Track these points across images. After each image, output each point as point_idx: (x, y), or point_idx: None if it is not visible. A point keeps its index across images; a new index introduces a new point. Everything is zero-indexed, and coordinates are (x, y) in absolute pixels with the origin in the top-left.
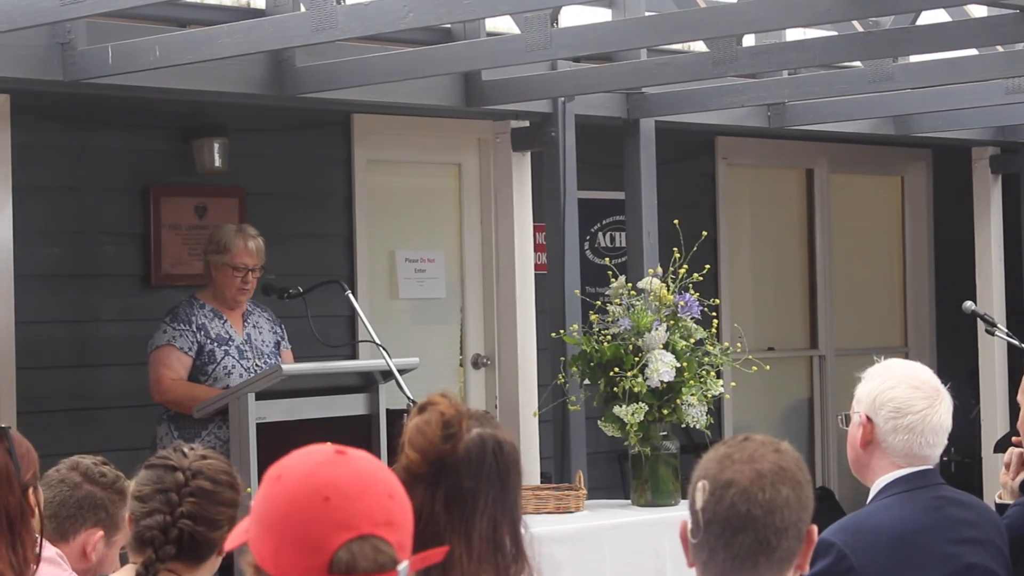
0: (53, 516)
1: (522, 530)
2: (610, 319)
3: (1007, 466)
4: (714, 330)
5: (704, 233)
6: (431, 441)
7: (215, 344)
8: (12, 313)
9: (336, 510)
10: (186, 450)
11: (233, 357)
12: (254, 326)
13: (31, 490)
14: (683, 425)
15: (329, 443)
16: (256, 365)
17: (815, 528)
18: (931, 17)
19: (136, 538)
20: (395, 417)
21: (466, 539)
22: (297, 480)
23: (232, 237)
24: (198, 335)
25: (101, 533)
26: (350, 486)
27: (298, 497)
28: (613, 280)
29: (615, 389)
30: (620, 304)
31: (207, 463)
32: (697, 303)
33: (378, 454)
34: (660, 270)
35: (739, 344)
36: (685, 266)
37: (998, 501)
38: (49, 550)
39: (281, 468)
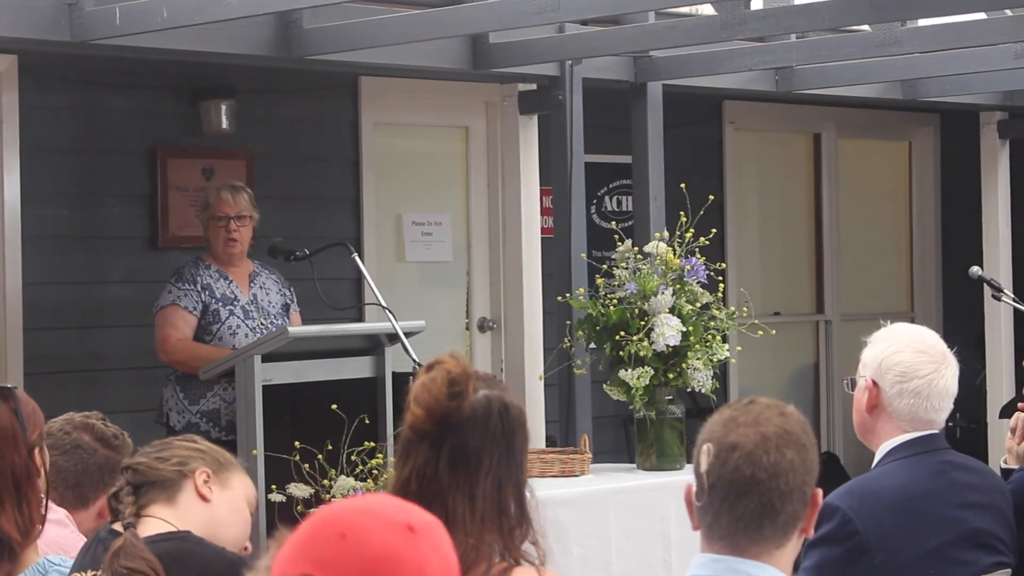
0: (76, 485)
1: (527, 494)
2: (616, 283)
3: (1013, 431)
4: (720, 294)
5: (711, 197)
6: (436, 398)
7: (220, 304)
8: (19, 274)
9: None
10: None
11: (238, 317)
12: (261, 287)
13: (37, 450)
14: (689, 389)
15: (398, 511)
16: (262, 325)
17: (820, 492)
18: None
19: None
20: (401, 380)
21: (469, 498)
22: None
23: (213, 191)
24: (203, 295)
25: None
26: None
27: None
28: (620, 244)
29: (621, 353)
30: (626, 268)
31: None
32: (703, 267)
33: (384, 417)
34: (667, 234)
35: (745, 308)
36: (692, 230)
37: (1003, 466)
38: (57, 512)
39: (345, 526)
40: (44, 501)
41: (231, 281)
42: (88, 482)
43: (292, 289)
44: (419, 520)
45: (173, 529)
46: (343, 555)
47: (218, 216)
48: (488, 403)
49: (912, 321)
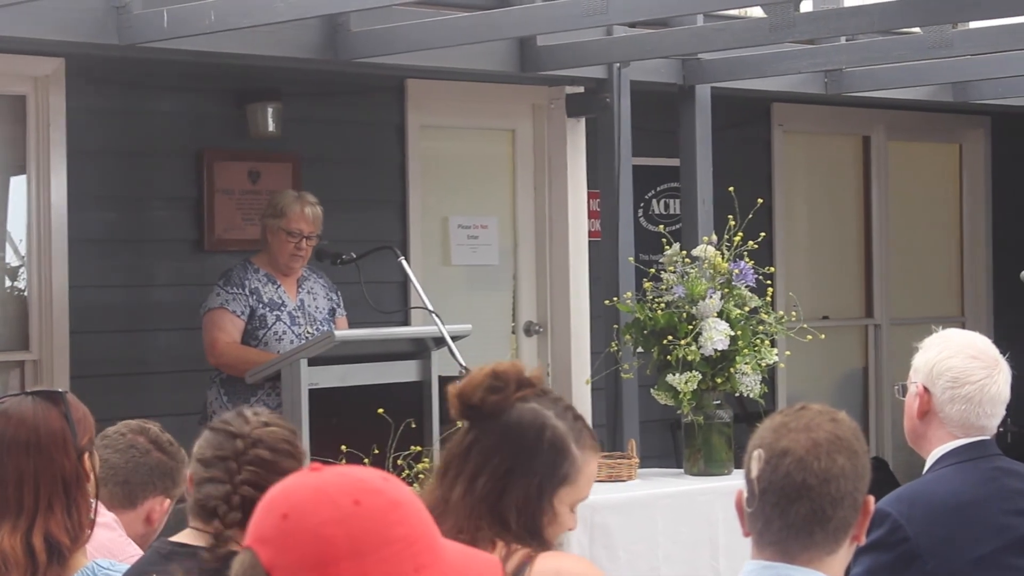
0: (125, 482)
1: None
2: (664, 287)
3: None
4: (769, 298)
5: (759, 200)
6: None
7: (267, 309)
8: (66, 277)
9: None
10: (249, 415)
11: (284, 323)
12: (308, 292)
13: (87, 455)
14: (737, 394)
15: (351, 485)
16: (308, 331)
17: (872, 498)
18: None
19: (199, 505)
20: (447, 384)
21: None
22: None
23: (290, 202)
24: (250, 299)
25: (169, 502)
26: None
27: None
28: (667, 247)
29: (668, 357)
30: (674, 272)
31: (268, 431)
32: (752, 271)
33: (430, 421)
34: (715, 238)
35: (794, 313)
36: (740, 234)
37: None
38: (105, 516)
39: (289, 505)
40: (93, 506)
41: (279, 286)
42: (137, 480)
43: (339, 293)
44: (370, 490)
45: None
46: (283, 533)
47: (291, 231)
48: (535, 415)
49: (962, 326)
